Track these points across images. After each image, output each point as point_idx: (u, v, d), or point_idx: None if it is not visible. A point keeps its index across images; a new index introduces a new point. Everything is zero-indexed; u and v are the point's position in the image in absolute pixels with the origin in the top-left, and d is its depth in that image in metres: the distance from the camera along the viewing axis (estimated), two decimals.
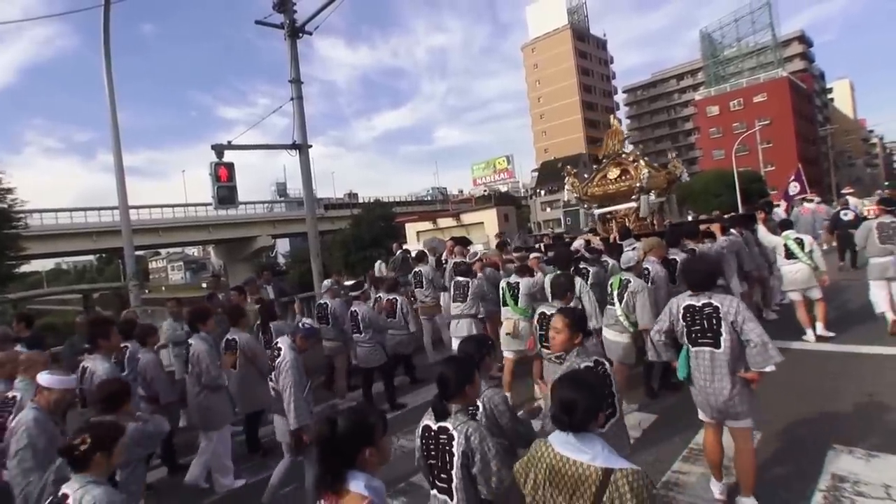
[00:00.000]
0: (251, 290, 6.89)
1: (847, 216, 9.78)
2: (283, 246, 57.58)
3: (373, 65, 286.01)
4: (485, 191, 65.06)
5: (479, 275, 6.30)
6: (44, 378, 2.78)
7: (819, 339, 5.93)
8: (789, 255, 6.09)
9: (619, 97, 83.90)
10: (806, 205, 12.39)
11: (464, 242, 9.77)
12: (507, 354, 5.29)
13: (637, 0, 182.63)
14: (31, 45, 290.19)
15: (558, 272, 4.60)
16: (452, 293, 6.12)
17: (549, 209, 59.17)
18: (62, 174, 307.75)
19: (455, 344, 5.73)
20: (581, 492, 1.56)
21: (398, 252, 10.49)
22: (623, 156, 9.29)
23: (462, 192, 79.84)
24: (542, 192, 62.52)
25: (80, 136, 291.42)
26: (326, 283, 6.81)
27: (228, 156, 8.46)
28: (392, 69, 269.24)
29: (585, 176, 10.16)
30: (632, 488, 1.50)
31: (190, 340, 4.40)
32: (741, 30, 63.72)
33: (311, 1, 9.20)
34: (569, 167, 10.54)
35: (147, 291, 55.75)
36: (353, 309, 5.82)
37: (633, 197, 8.74)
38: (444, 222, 19.16)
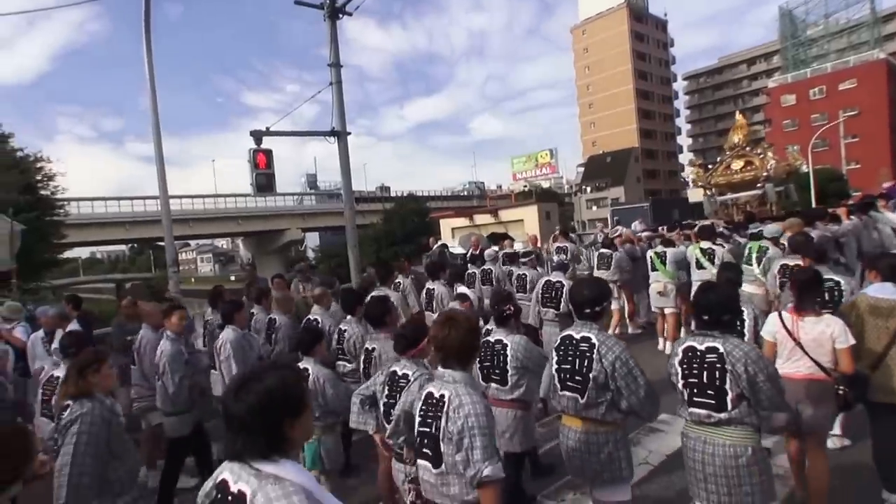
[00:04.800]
0: (278, 284, 6.94)
1: None
2: (312, 240, 59.41)
3: (406, 48, 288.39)
4: (525, 186, 64.72)
5: (620, 249, 8.04)
6: None
7: None
8: None
9: (679, 84, 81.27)
10: None
11: (497, 238, 10.19)
12: (656, 310, 7.30)
13: None
14: (64, 28, 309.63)
15: (773, 237, 6.35)
16: (596, 262, 8.04)
17: (595, 207, 57.67)
18: (92, 162, 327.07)
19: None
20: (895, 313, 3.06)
21: (435, 247, 10.67)
22: (748, 148, 11.21)
23: (501, 187, 79.84)
24: (588, 189, 61.12)
25: (110, 123, 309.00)
26: (491, 250, 8.25)
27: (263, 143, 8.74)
28: (427, 53, 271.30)
29: (710, 166, 12.50)
30: None
31: (430, 285, 6.32)
32: (831, 4, 57.64)
33: None
34: (693, 158, 12.84)
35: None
36: (520, 272, 7.07)
37: (759, 185, 10.54)
38: (482, 219, 19.39)
